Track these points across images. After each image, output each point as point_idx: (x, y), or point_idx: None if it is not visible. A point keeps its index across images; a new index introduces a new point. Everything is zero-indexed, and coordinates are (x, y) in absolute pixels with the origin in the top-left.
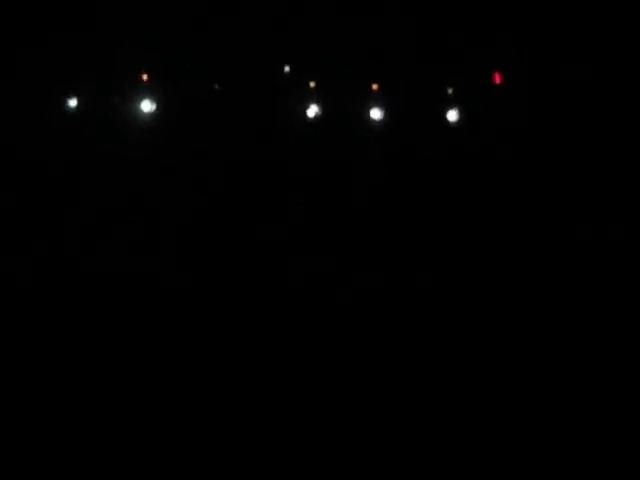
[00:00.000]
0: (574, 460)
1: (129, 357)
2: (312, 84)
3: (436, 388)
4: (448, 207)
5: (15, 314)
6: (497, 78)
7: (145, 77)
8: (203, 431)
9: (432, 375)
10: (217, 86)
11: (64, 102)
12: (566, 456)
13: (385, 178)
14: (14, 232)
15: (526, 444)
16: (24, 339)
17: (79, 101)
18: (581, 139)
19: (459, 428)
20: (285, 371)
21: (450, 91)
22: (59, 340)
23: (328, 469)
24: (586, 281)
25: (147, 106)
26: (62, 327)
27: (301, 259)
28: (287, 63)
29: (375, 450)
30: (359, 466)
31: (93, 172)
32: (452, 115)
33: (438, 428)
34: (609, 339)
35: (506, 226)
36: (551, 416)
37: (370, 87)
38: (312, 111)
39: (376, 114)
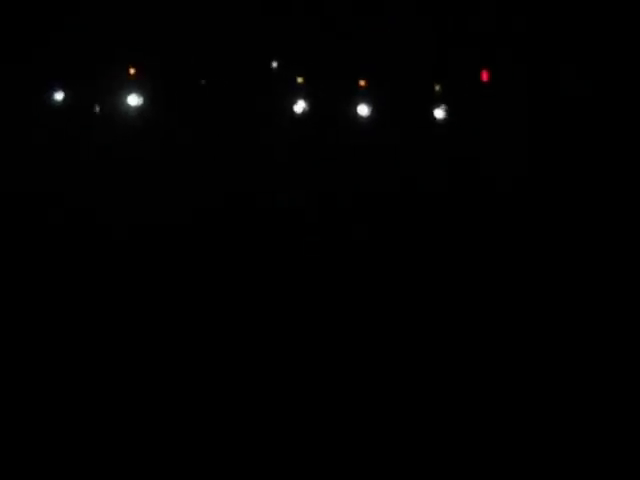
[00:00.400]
0: (574, 460)
1: (130, 356)
2: (300, 80)
3: (436, 387)
4: (434, 203)
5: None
6: (484, 76)
7: (132, 71)
8: (203, 429)
9: (431, 373)
10: (203, 81)
11: (51, 96)
12: (566, 456)
13: (372, 175)
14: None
15: (526, 443)
16: (24, 338)
17: (66, 95)
18: (572, 135)
19: (458, 428)
20: (284, 370)
21: (438, 88)
22: (59, 340)
23: (327, 467)
24: (585, 281)
25: (134, 100)
26: (62, 327)
27: (289, 255)
28: (275, 59)
29: (375, 449)
30: (358, 464)
31: (80, 167)
32: (439, 112)
33: (437, 427)
34: (609, 339)
35: (493, 218)
36: (551, 415)
37: (358, 83)
38: (299, 107)
39: (363, 110)
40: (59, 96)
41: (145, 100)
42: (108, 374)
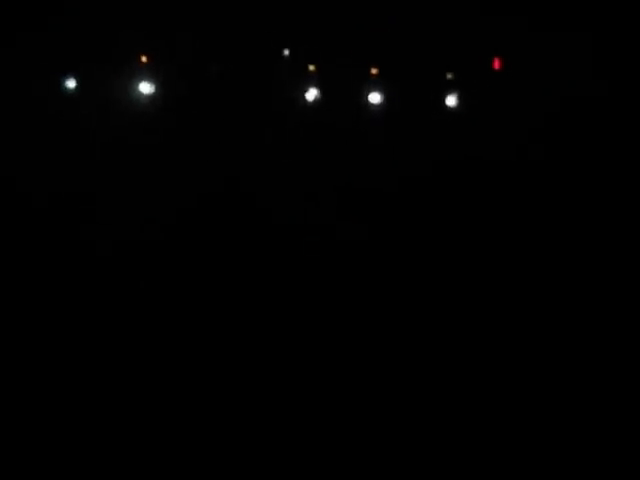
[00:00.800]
0: (574, 459)
1: (128, 353)
2: (311, 68)
3: (435, 387)
4: (447, 194)
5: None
6: (497, 64)
7: (144, 59)
8: (203, 428)
9: (431, 373)
10: (215, 69)
11: (63, 84)
12: (566, 455)
13: (384, 163)
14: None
15: (525, 443)
16: (24, 333)
17: (78, 83)
18: (579, 126)
19: (458, 427)
20: (282, 368)
21: (450, 76)
22: (59, 339)
23: (327, 466)
24: (586, 281)
25: (146, 88)
26: (62, 327)
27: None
28: (286, 47)
29: (375, 448)
30: (358, 464)
31: (92, 156)
32: (451, 100)
33: (437, 427)
34: (609, 339)
35: (503, 212)
36: (550, 415)
37: (369, 71)
38: (311, 95)
39: (375, 98)
40: (71, 84)
41: (157, 87)
42: (105, 372)
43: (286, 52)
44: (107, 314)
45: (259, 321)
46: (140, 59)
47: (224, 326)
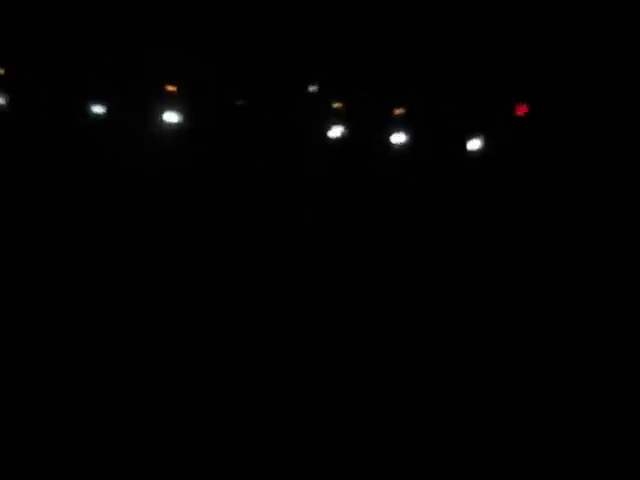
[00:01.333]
0: (574, 460)
1: (125, 355)
2: (337, 105)
3: (434, 390)
4: (464, 234)
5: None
6: (521, 110)
7: (170, 89)
8: (202, 428)
9: (429, 376)
10: (241, 102)
11: (88, 110)
12: (566, 455)
13: (404, 204)
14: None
15: (526, 443)
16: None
17: (103, 110)
18: (606, 172)
19: (458, 428)
20: (280, 370)
21: (473, 119)
22: (58, 338)
23: (327, 467)
24: (586, 284)
25: (171, 118)
26: (62, 326)
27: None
28: (313, 83)
29: (375, 449)
30: (358, 464)
31: (113, 182)
32: (474, 144)
33: (437, 428)
34: (609, 340)
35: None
36: (550, 415)
37: (393, 111)
38: (336, 132)
39: (399, 138)
40: (98, 110)
41: (183, 118)
42: (101, 372)
43: (312, 88)
44: (104, 318)
45: (257, 323)
46: (166, 88)
47: (222, 327)
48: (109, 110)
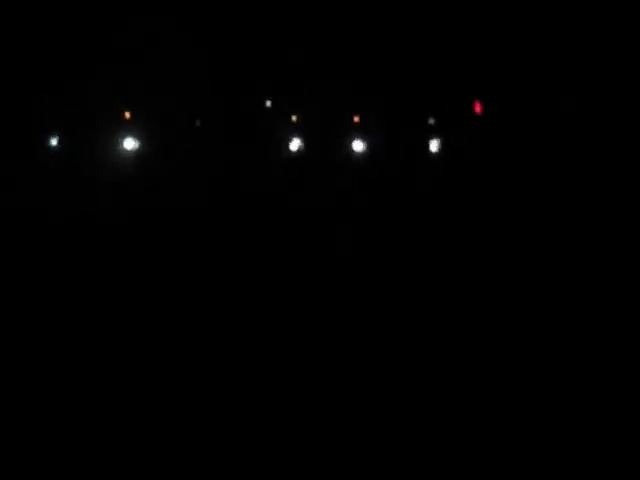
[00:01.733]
0: (574, 460)
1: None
2: (294, 117)
3: (433, 389)
4: (433, 237)
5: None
6: (477, 107)
7: (127, 115)
8: (201, 428)
9: (429, 375)
10: (198, 123)
11: (47, 141)
12: (566, 456)
13: (370, 208)
14: None
15: (526, 443)
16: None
17: (61, 140)
18: (561, 172)
19: (458, 428)
20: (279, 368)
21: (432, 121)
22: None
23: (327, 467)
24: (585, 282)
25: (130, 144)
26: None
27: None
28: (268, 97)
29: (375, 449)
30: (358, 464)
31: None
32: (434, 145)
33: (437, 428)
34: (609, 340)
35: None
36: (550, 415)
37: (352, 119)
38: (295, 144)
39: (358, 146)
40: (54, 141)
41: (141, 144)
42: (99, 368)
43: (268, 103)
44: (102, 316)
45: (256, 321)
46: (123, 115)
47: (219, 326)
48: (68, 141)
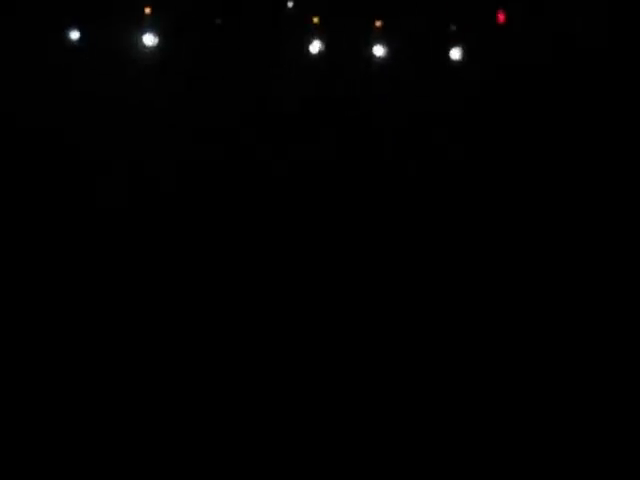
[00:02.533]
0: (574, 460)
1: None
2: (315, 20)
3: (433, 388)
4: (448, 148)
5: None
6: (501, 17)
7: (148, 10)
8: (201, 428)
9: (429, 374)
10: (219, 20)
11: (65, 34)
12: (566, 456)
13: (387, 117)
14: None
15: (526, 443)
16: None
17: (81, 33)
18: (582, 84)
19: (458, 428)
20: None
21: (454, 29)
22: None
23: (327, 467)
24: (585, 281)
25: (149, 40)
26: (61, 324)
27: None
28: None
29: (375, 449)
30: (358, 464)
31: (94, 109)
32: (455, 53)
33: (437, 428)
34: (609, 340)
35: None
36: (550, 415)
37: (374, 24)
38: (315, 47)
39: (379, 51)
40: (74, 35)
41: (160, 39)
42: (97, 365)
43: (290, 4)
44: (101, 310)
45: (255, 319)
46: (144, 10)
47: (218, 323)
48: (87, 35)
